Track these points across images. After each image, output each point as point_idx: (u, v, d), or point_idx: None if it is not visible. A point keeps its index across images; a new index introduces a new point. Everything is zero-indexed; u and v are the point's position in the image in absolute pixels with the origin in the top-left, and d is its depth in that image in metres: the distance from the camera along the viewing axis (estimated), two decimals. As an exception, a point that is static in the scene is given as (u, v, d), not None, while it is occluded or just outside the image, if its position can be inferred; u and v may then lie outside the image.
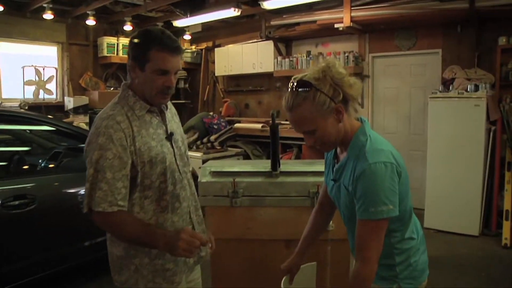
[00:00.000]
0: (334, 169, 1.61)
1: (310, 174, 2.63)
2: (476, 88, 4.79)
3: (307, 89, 1.40)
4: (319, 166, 2.72)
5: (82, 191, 3.35)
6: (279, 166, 2.64)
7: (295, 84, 1.43)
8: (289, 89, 1.45)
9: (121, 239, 1.66)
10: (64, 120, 6.45)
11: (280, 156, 6.08)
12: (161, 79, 1.61)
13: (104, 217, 1.56)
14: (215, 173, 2.67)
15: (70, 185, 3.46)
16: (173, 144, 1.78)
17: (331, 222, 2.47)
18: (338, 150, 1.63)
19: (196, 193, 1.91)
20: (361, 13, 5.58)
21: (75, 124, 6.51)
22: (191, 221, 1.83)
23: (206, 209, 2.65)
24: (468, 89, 4.82)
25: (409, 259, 1.57)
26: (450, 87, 4.97)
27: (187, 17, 6.69)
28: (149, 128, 1.69)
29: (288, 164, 2.78)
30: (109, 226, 1.62)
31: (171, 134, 1.77)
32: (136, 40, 1.62)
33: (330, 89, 1.41)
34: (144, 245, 1.64)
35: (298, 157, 6.12)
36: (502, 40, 5.05)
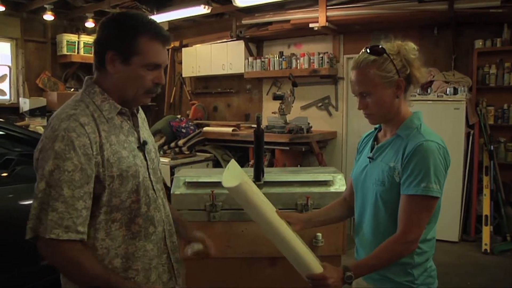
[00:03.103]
0: (375, 148, 1.61)
1: (297, 184, 2.39)
2: (455, 91, 4.69)
3: (379, 55, 1.46)
4: (306, 175, 2.50)
5: None
6: (263, 176, 2.38)
7: (369, 47, 1.48)
8: (362, 51, 1.51)
9: (74, 279, 1.29)
10: (19, 123, 6.01)
11: (251, 161, 5.88)
12: (151, 75, 1.34)
13: (55, 247, 1.22)
14: (190, 184, 2.39)
15: (26, 196, 3.04)
16: (146, 156, 1.45)
17: (320, 236, 2.28)
18: (381, 133, 1.65)
19: (170, 215, 1.58)
20: (337, 13, 5.40)
21: (31, 127, 6.09)
22: (166, 249, 1.51)
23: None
24: (447, 92, 4.72)
25: (426, 263, 1.54)
26: (429, 90, 4.85)
27: (153, 14, 6.33)
28: (120, 134, 1.37)
29: (272, 173, 2.52)
30: (61, 260, 1.25)
31: (144, 143, 1.45)
32: (119, 25, 1.31)
33: (400, 63, 1.47)
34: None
35: (271, 162, 5.88)
36: (479, 44, 5.00)
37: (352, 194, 1.73)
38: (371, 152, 1.62)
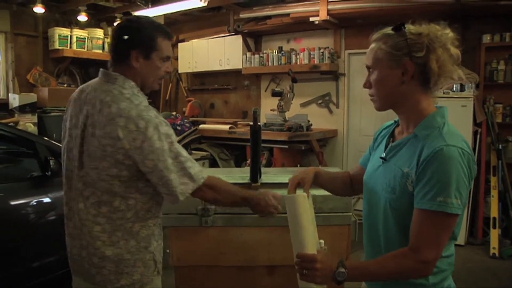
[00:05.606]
0: (388, 147, 1.41)
1: (297, 186, 2.18)
2: (462, 88, 4.50)
3: (396, 30, 1.29)
4: (307, 176, 2.29)
5: (34, 202, 2.98)
6: (260, 177, 2.17)
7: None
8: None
9: (225, 200, 1.73)
10: (8, 120, 5.83)
11: (248, 160, 5.68)
12: (164, 66, 1.67)
13: (208, 187, 1.63)
14: (181, 186, 2.18)
15: (17, 195, 2.96)
16: None
17: (323, 243, 2.08)
18: (398, 129, 1.44)
19: None
20: (338, 6, 5.21)
21: (21, 124, 5.89)
22: None
23: (169, 230, 2.17)
24: (454, 89, 4.52)
25: (443, 282, 1.33)
26: (434, 86, 4.65)
27: (148, 7, 6.12)
28: None
29: (269, 174, 2.33)
30: (216, 191, 1.67)
31: None
32: (142, 29, 1.62)
33: (417, 44, 1.25)
34: (237, 204, 1.79)
35: (269, 161, 5.68)
36: (487, 38, 4.80)
37: (359, 180, 1.59)
38: (385, 150, 1.41)
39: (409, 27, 1.28)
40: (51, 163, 2.98)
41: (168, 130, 1.55)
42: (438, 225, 1.19)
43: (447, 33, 1.27)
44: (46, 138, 3.53)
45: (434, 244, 1.20)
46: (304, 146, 5.33)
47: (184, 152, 1.57)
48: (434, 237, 1.20)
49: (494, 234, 4.37)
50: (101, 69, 1.64)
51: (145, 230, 1.62)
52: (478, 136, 4.65)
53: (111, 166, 1.51)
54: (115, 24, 6.96)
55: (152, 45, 1.60)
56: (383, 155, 1.40)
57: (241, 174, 2.29)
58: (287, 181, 2.16)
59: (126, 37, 1.59)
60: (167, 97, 7.87)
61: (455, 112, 4.42)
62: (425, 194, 1.19)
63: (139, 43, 1.59)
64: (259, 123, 2.14)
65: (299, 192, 1.47)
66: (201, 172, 1.60)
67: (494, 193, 4.57)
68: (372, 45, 1.34)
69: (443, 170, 1.17)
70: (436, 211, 1.17)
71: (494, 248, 4.29)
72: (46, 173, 3.01)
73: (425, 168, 1.20)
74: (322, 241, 2.02)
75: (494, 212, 4.50)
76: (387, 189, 1.32)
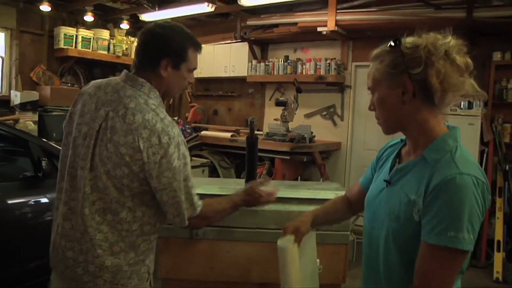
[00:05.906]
0: (394, 169, 1.29)
1: (294, 201, 2.10)
2: (470, 106, 4.40)
3: (394, 45, 1.19)
4: (305, 192, 2.19)
5: (32, 201, 2.93)
6: (256, 190, 2.07)
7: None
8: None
9: (214, 221, 1.82)
10: (9, 117, 5.78)
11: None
12: (189, 77, 1.65)
13: (202, 216, 1.64)
14: (172, 195, 2.08)
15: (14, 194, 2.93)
16: None
17: (319, 262, 1.97)
18: (405, 149, 1.32)
19: None
20: (347, 17, 5.13)
21: (21, 121, 5.83)
22: None
23: (158, 241, 2.05)
24: (461, 106, 4.42)
25: None
26: (442, 103, 4.55)
27: (155, 10, 6.08)
28: None
29: (267, 187, 2.20)
30: (209, 218, 1.73)
31: None
32: (175, 38, 1.57)
33: (415, 59, 1.14)
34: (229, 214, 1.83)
35: (270, 171, 5.58)
36: (497, 56, 4.70)
37: (357, 201, 1.55)
38: (389, 172, 1.30)
39: (406, 41, 1.18)
40: (43, 164, 2.90)
41: (186, 151, 1.54)
42: (447, 262, 1.08)
43: (448, 42, 1.15)
44: (44, 140, 3.47)
45: (441, 283, 1.10)
46: (306, 158, 5.24)
47: (192, 177, 1.57)
48: (442, 275, 1.09)
49: (498, 258, 4.25)
50: (124, 70, 1.58)
51: (146, 244, 1.59)
52: (485, 156, 4.55)
53: (124, 176, 1.47)
54: (121, 26, 6.96)
55: (183, 55, 1.56)
56: (388, 177, 1.29)
57: (236, 186, 2.18)
58: (283, 196, 2.09)
59: (157, 44, 1.55)
60: (170, 102, 7.80)
61: (462, 130, 4.29)
62: (434, 226, 1.08)
63: (170, 53, 1.55)
64: (256, 134, 2.04)
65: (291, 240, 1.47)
66: (200, 201, 1.61)
67: (499, 215, 4.44)
68: (371, 65, 1.25)
69: (455, 202, 1.07)
70: (446, 247, 1.06)
71: (497, 272, 4.17)
72: (38, 173, 2.93)
73: (435, 197, 1.09)
74: (318, 260, 1.92)
75: (499, 234, 4.37)
76: (390, 216, 1.21)
